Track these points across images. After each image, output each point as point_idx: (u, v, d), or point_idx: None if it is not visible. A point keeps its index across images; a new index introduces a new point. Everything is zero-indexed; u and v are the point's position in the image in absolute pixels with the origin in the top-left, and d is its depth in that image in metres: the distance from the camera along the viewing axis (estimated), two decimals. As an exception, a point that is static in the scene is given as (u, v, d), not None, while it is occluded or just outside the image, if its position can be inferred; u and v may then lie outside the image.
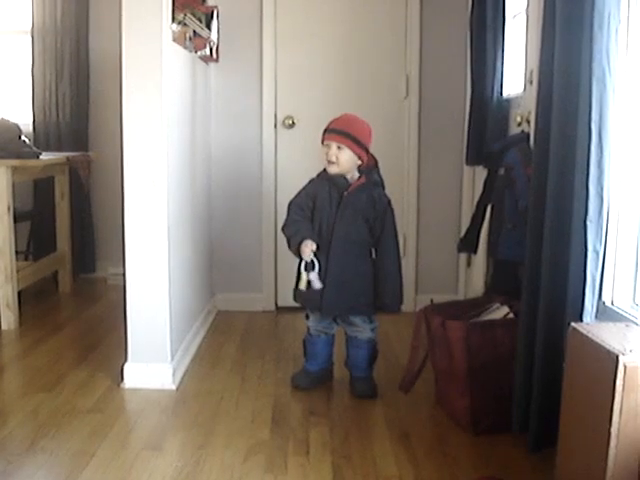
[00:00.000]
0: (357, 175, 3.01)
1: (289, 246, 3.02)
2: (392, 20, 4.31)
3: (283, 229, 3.06)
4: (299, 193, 3.08)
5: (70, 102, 5.11)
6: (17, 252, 4.21)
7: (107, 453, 2.51)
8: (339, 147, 2.96)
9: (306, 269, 2.92)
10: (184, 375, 3.28)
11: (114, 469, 2.40)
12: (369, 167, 3.03)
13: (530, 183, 2.53)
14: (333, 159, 2.96)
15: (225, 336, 3.93)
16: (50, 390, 3.08)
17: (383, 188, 3.06)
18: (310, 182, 3.08)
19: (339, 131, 2.98)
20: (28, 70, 5.13)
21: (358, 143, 2.96)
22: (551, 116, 2.29)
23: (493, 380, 2.62)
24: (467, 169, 4.22)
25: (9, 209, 3.98)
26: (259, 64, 4.34)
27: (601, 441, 1.81)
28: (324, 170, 3.05)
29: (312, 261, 2.90)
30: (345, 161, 2.97)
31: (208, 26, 3.89)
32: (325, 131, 3.02)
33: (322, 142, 3.03)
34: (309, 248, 2.90)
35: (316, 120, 3.32)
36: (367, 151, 2.99)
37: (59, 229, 4.86)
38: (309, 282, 2.92)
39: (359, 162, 2.99)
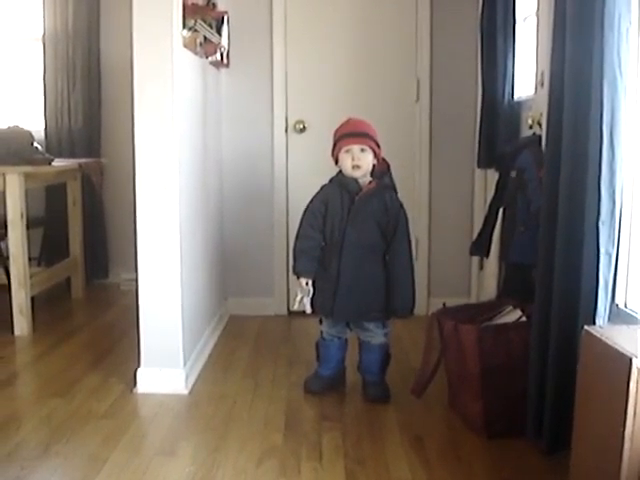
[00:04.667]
0: (369, 179, 3.01)
1: (293, 265, 3.08)
2: (402, 24, 4.31)
3: (295, 241, 3.08)
4: (312, 200, 3.08)
5: (82, 108, 5.14)
6: (30, 258, 4.22)
7: (121, 458, 2.52)
8: (362, 150, 2.95)
9: (301, 291, 3.02)
10: (197, 380, 3.28)
11: (128, 474, 2.41)
12: (381, 171, 3.03)
13: (542, 185, 2.53)
14: (359, 163, 2.96)
15: (237, 341, 3.93)
16: (64, 395, 3.09)
17: (395, 192, 3.05)
18: (322, 188, 3.08)
19: (360, 133, 2.98)
20: (40, 77, 5.16)
21: (377, 144, 2.98)
22: (562, 118, 2.28)
23: (506, 383, 2.61)
24: (479, 172, 4.21)
25: (22, 215, 4.00)
26: (270, 69, 4.35)
27: (615, 444, 1.80)
28: (336, 175, 3.05)
29: (307, 289, 3.01)
30: (367, 163, 2.97)
31: (219, 32, 3.90)
32: (342, 136, 3.00)
33: (336, 148, 3.00)
34: (303, 286, 3.01)
35: (327, 124, 3.32)
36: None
37: (72, 235, 4.89)
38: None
39: (374, 163, 2.99)
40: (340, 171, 3.03)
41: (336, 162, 3.04)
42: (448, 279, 4.43)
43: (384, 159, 3.05)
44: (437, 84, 4.32)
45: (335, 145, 3.02)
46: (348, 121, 3.07)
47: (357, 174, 2.97)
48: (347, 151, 2.96)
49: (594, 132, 2.14)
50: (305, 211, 3.08)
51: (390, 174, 3.04)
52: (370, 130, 3.01)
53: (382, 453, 2.56)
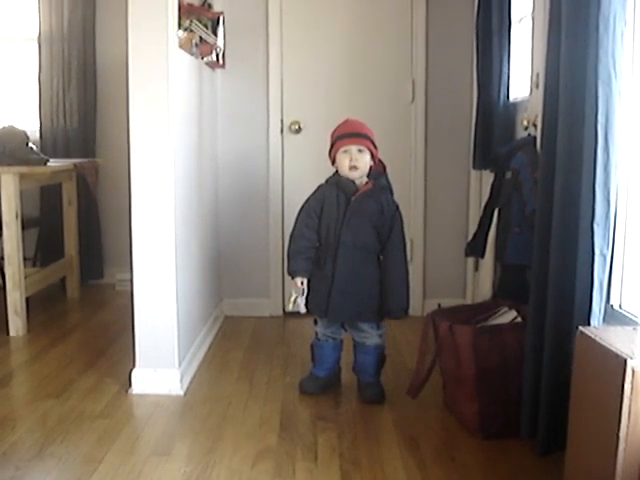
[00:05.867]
0: (365, 180, 3.01)
1: (288, 265, 3.08)
2: (398, 25, 4.31)
3: (290, 241, 3.08)
4: (308, 199, 3.08)
5: (77, 108, 5.14)
6: (25, 259, 4.21)
7: (115, 459, 2.51)
8: (360, 150, 2.95)
9: (295, 292, 3.04)
10: (192, 381, 3.28)
11: (122, 475, 2.40)
12: (378, 172, 3.03)
13: (537, 187, 2.53)
14: (357, 164, 2.95)
15: (233, 341, 3.93)
16: (58, 396, 3.08)
17: (392, 193, 3.05)
18: (318, 188, 3.08)
19: (358, 134, 2.98)
20: (35, 77, 5.15)
21: (374, 145, 2.98)
22: (557, 119, 2.28)
23: (501, 384, 2.61)
24: (474, 173, 4.22)
25: (17, 216, 3.99)
26: (265, 69, 4.35)
27: (609, 445, 1.81)
28: (333, 175, 3.05)
29: (302, 288, 3.02)
30: (365, 164, 2.97)
31: (214, 32, 3.90)
32: (340, 137, 3.00)
33: (333, 149, 3.00)
34: (298, 285, 3.02)
35: (322, 125, 3.33)
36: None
37: (67, 235, 4.88)
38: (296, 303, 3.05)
39: (371, 164, 2.99)
40: (336, 171, 3.03)
41: (333, 162, 3.04)
42: (443, 280, 4.43)
43: (380, 160, 3.05)
44: (432, 85, 4.32)
45: (332, 145, 3.02)
46: (346, 122, 3.07)
47: (354, 175, 2.97)
48: (345, 152, 2.96)
49: (589, 133, 2.14)
50: (300, 211, 3.07)
51: (386, 175, 3.04)
52: (368, 131, 3.01)
53: (377, 454, 2.56)
